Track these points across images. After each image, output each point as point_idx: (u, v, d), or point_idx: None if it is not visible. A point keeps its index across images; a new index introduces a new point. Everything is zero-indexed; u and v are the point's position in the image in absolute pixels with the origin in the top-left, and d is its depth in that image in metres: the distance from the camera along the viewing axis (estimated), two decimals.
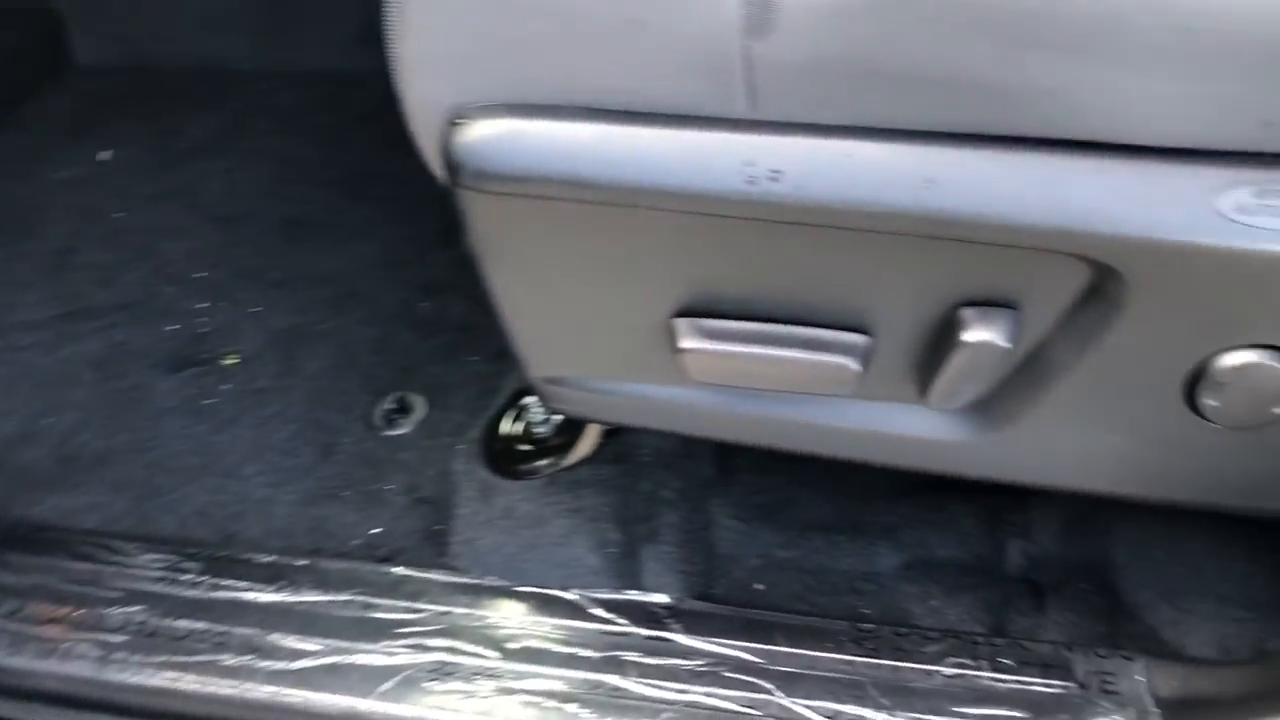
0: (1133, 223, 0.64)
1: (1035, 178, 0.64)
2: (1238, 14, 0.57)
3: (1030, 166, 0.64)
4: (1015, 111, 0.63)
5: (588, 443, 1.02)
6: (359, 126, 1.52)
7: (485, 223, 0.72)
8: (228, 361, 1.23)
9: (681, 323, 0.76)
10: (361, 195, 1.44)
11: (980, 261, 0.69)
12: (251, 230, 1.40)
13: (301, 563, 1.02)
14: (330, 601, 0.98)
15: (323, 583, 1.00)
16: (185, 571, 1.01)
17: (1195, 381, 0.70)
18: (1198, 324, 0.68)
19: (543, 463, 1.02)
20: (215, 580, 1.01)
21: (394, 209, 1.40)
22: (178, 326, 1.28)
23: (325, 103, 1.58)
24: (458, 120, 0.68)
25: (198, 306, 1.30)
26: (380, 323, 1.27)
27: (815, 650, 0.92)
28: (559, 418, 1.04)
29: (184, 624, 0.97)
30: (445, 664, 0.93)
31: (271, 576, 1.01)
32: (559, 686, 0.91)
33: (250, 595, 1.00)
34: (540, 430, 1.04)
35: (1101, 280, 0.68)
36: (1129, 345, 0.69)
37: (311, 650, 0.95)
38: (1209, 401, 0.70)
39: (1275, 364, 0.68)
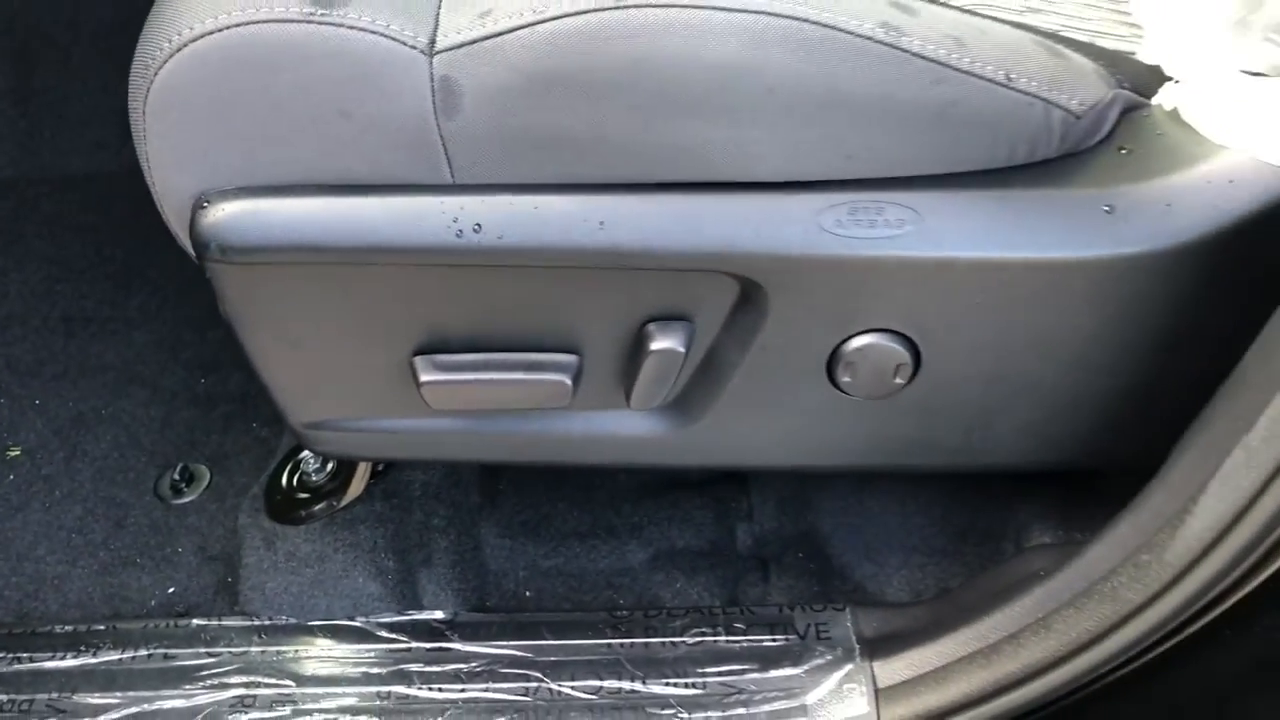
0: (761, 243, 0.81)
1: (683, 214, 0.80)
2: (801, 77, 0.75)
3: (679, 205, 0.80)
4: (659, 164, 0.79)
5: (359, 483, 1.13)
6: (127, 223, 1.59)
7: (234, 291, 0.83)
8: (11, 454, 1.28)
9: (419, 360, 0.89)
10: (135, 287, 1.50)
11: (656, 284, 0.85)
12: (27, 329, 1.45)
13: (100, 627, 1.08)
14: (131, 658, 1.06)
15: (122, 642, 1.07)
16: None
17: (833, 364, 0.88)
18: (825, 317, 0.85)
19: (319, 506, 1.13)
20: (15, 655, 1.06)
21: (168, 296, 1.48)
22: None
23: (92, 204, 1.64)
24: (201, 204, 0.80)
25: None
26: (162, 402, 1.34)
27: (578, 640, 1.06)
28: (331, 465, 1.14)
29: None
30: (245, 697, 1.02)
31: (71, 643, 1.07)
32: (352, 702, 1.01)
33: (51, 664, 1.06)
34: (315, 478, 1.14)
35: (748, 291, 0.84)
36: (777, 341, 0.86)
37: (114, 704, 1.02)
38: (845, 379, 0.88)
39: (888, 344, 0.86)
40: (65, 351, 1.42)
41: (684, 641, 1.05)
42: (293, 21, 0.74)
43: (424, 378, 0.88)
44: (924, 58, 0.76)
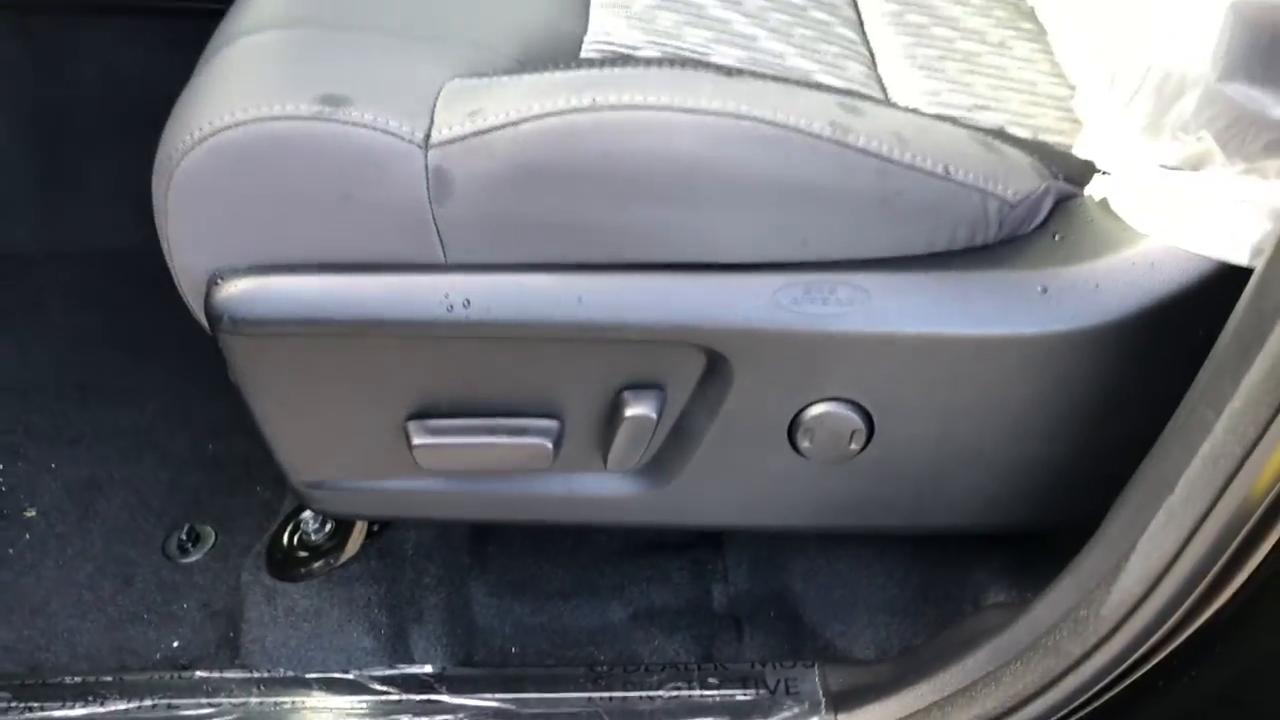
0: (725, 318, 0.88)
1: (654, 291, 0.88)
2: (757, 171, 0.83)
3: (650, 283, 0.88)
4: (631, 246, 0.87)
5: (355, 542, 1.19)
6: (141, 297, 1.66)
7: (243, 360, 0.91)
8: (27, 514, 1.35)
9: (412, 424, 0.96)
10: (149, 357, 1.58)
11: (630, 355, 0.93)
12: (45, 397, 1.52)
13: (107, 679, 1.14)
14: (137, 708, 1.11)
15: (128, 693, 1.12)
16: None
17: (793, 430, 0.95)
18: (784, 387, 0.92)
19: (318, 564, 1.19)
20: (26, 705, 1.12)
21: (180, 366, 1.55)
22: None
23: (110, 278, 1.73)
24: (216, 281, 0.88)
25: None
26: (172, 466, 1.41)
27: (559, 693, 1.11)
28: (330, 525, 1.21)
29: None
30: None
31: (80, 694, 1.12)
32: None
33: (60, 713, 1.11)
34: (314, 538, 1.21)
35: (714, 362, 0.92)
36: (742, 408, 0.94)
37: None
38: (805, 444, 0.95)
39: (843, 411, 0.93)
40: (80, 418, 1.49)
41: (660, 695, 1.11)
42: (302, 119, 0.83)
43: (416, 441, 0.96)
44: (869, 153, 0.84)
